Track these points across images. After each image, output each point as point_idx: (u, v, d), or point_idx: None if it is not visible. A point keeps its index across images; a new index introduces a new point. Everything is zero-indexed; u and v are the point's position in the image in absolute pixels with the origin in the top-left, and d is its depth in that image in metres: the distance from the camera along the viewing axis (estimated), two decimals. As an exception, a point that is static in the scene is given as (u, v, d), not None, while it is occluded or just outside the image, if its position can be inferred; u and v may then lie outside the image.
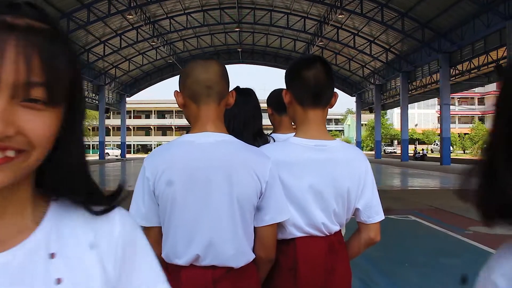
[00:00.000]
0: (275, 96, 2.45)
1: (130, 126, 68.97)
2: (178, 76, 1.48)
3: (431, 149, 58.31)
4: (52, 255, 0.60)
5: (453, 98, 45.60)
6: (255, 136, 2.17)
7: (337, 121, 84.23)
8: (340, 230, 1.53)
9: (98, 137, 42.14)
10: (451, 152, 30.78)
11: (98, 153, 41.92)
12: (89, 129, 64.27)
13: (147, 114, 78.72)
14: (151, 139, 73.77)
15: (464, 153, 56.11)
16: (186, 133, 1.46)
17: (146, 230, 1.41)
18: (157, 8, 29.85)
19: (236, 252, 1.34)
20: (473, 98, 73.59)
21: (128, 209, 1.45)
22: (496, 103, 0.62)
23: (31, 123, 0.54)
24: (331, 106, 1.56)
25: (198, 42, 37.70)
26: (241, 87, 2.25)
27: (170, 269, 1.36)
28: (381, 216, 1.54)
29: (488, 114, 70.66)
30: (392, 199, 10.17)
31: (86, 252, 0.63)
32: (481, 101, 73.98)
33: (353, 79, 41.24)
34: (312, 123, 1.52)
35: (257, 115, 2.22)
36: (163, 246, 1.38)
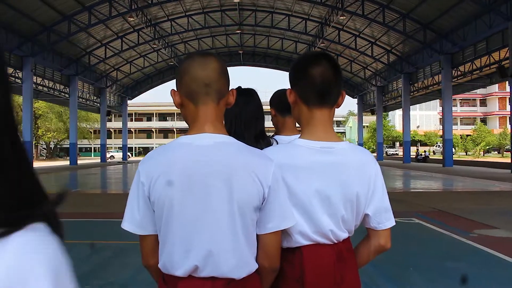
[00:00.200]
0: (278, 97, 2.37)
1: (131, 129, 69.02)
2: (179, 78, 1.39)
3: (433, 151, 58.21)
4: None
5: (455, 99, 45.50)
6: (257, 138, 2.09)
7: (338, 123, 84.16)
8: (349, 237, 1.45)
9: (99, 139, 42.14)
10: (453, 154, 30.65)
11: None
12: (91, 132, 64.29)
13: (149, 116, 78.83)
14: (153, 142, 73.77)
15: (466, 154, 55.96)
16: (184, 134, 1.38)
17: (142, 238, 1.33)
18: (158, 11, 29.86)
19: (238, 262, 1.25)
20: (475, 99, 73.47)
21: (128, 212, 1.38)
22: None
23: None
24: (338, 106, 1.48)
25: (199, 44, 37.68)
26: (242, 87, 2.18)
27: (167, 280, 1.28)
28: (392, 222, 1.46)
29: (490, 115, 70.57)
30: (395, 202, 10.02)
31: None
32: (483, 102, 73.85)
33: (355, 80, 41.19)
34: (319, 124, 1.43)
35: (259, 116, 2.14)
36: (160, 255, 1.30)
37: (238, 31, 35.33)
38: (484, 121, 71.15)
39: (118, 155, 52.21)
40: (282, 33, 35.19)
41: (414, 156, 38.91)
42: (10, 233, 0.49)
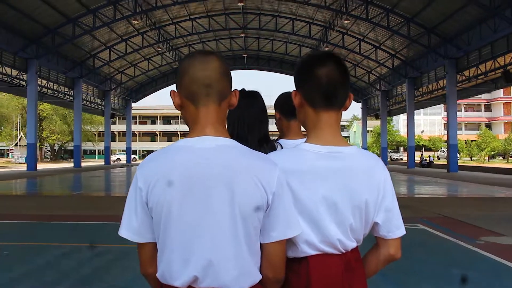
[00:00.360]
0: (283, 100, 2.31)
1: (135, 132, 69.16)
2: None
3: (438, 156, 57.99)
4: None
5: (459, 104, 45.31)
6: (260, 142, 2.03)
7: (342, 128, 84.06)
8: (357, 246, 1.37)
9: (104, 142, 42.23)
10: (458, 159, 30.49)
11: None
12: (95, 135, 64.44)
13: (153, 119, 79.01)
14: (157, 145, 73.85)
15: (471, 160, 55.70)
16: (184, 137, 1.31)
17: (140, 246, 1.26)
18: (162, 14, 29.92)
19: (240, 272, 1.18)
20: (479, 104, 73.24)
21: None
22: None
23: None
24: (346, 109, 1.41)
25: (203, 48, 37.71)
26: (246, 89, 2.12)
27: None
28: (402, 231, 1.38)
29: (495, 120, 70.30)
30: (400, 207, 9.92)
31: None
32: (488, 107, 73.61)
33: (359, 85, 41.11)
34: (326, 127, 1.36)
35: (263, 119, 2.07)
36: (158, 263, 1.23)
37: (242, 35, 35.36)
38: (489, 126, 70.89)
39: (125, 158, 52.36)
40: (286, 37, 35.19)
41: (418, 161, 38.75)
42: None
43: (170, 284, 1.20)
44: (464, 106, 71.44)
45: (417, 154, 41.92)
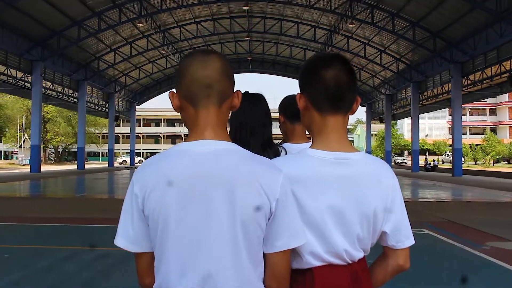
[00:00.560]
0: (287, 103, 2.25)
1: (139, 134, 69.27)
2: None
3: (442, 160, 57.71)
4: None
5: (464, 108, 45.15)
6: (264, 146, 1.98)
7: (347, 131, 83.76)
8: (364, 257, 1.31)
9: (107, 144, 42.29)
10: (463, 163, 30.32)
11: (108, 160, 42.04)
12: (99, 137, 64.58)
13: (157, 122, 79.11)
14: (161, 147, 73.89)
15: (475, 164, 55.41)
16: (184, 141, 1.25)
17: (137, 256, 1.20)
18: (167, 17, 29.97)
19: (241, 284, 1.12)
20: (484, 108, 72.94)
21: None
22: None
23: None
24: (353, 113, 1.34)
25: (208, 51, 37.71)
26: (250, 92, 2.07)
27: None
28: (411, 241, 1.32)
29: (500, 125, 69.98)
30: (405, 212, 9.88)
31: None
32: (493, 111, 73.29)
33: (364, 89, 41.00)
34: (332, 132, 1.30)
35: (266, 122, 2.02)
36: (155, 274, 1.17)
37: (247, 38, 35.37)
38: (494, 130, 70.56)
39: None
40: (291, 41, 35.17)
41: (422, 165, 38.57)
42: None
43: None
44: (469, 110, 71.18)
45: (421, 158, 41.74)
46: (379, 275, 1.35)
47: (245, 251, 1.12)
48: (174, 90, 1.24)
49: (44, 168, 32.85)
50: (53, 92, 30.48)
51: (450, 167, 29.77)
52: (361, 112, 63.52)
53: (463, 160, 33.52)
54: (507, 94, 57.15)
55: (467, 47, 23.51)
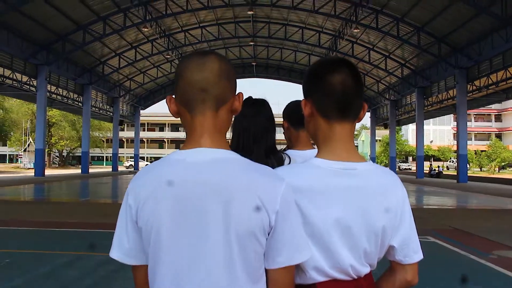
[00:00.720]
0: (291, 108, 2.20)
1: (143, 139, 69.34)
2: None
3: (447, 166, 57.45)
4: None
5: (469, 114, 44.97)
6: (267, 153, 1.92)
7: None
8: (371, 272, 1.24)
9: (112, 148, 42.34)
10: (468, 170, 30.14)
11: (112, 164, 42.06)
12: (103, 141, 64.69)
13: (161, 126, 79.20)
14: (165, 152, 73.96)
15: (481, 170, 55.10)
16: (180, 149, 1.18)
17: (133, 269, 1.14)
18: (172, 21, 30.04)
19: None
20: (489, 114, 72.58)
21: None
22: None
23: None
24: (360, 120, 1.27)
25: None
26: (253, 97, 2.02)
27: None
28: (420, 255, 1.25)
29: (506, 131, 69.61)
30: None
31: None
32: (498, 117, 72.92)
33: (368, 94, 40.90)
34: (339, 141, 1.23)
35: (270, 128, 1.96)
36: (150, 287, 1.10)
37: (252, 43, 35.38)
38: (499, 136, 70.13)
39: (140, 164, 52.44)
40: (295, 46, 35.15)
41: (427, 171, 38.37)
42: None
43: None
44: (474, 116, 70.86)
45: (426, 164, 41.52)
46: (387, 290, 1.28)
47: (241, 267, 1.04)
48: (173, 95, 1.18)
49: (48, 172, 32.90)
50: (58, 96, 30.57)
51: (455, 173, 29.59)
52: (365, 118, 63.44)
53: (468, 166, 33.32)
54: (512, 100, 56.86)
55: (473, 53, 23.40)
